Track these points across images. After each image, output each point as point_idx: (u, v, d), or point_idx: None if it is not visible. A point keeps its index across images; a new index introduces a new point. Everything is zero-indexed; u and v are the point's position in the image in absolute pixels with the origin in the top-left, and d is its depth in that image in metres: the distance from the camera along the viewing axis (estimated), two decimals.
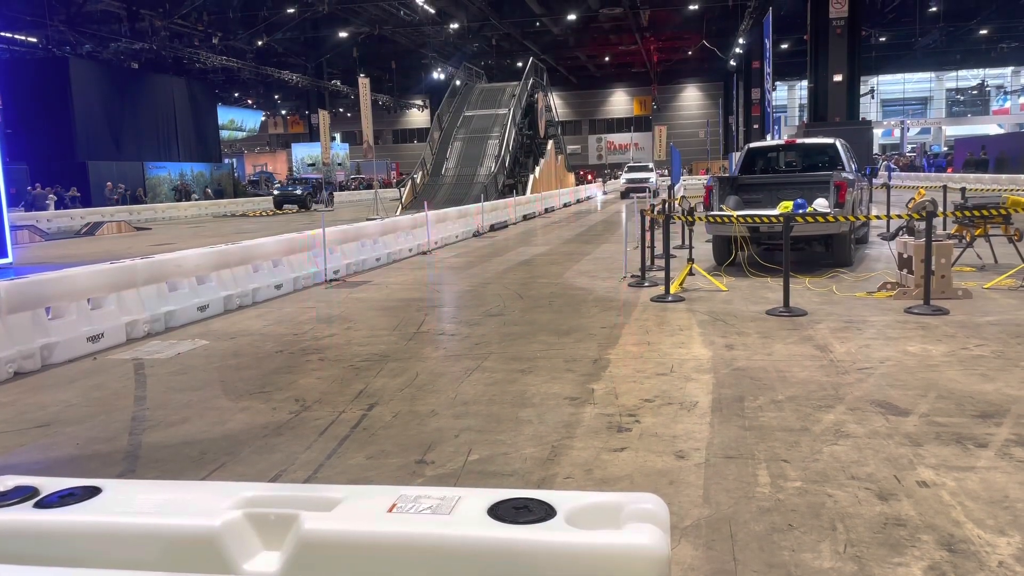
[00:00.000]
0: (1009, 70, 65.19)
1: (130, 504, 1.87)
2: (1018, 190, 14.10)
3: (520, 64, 41.16)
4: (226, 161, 52.43)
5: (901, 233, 10.34)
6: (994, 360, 5.73)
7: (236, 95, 60.54)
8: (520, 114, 33.97)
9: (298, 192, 37.61)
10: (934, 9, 44.26)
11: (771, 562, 2.97)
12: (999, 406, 4.68)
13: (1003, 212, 9.53)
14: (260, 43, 44.15)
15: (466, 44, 49.67)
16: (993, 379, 5.24)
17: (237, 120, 62.73)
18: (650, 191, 33.93)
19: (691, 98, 73.70)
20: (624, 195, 35.57)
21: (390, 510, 1.73)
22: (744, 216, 10.12)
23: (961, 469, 3.78)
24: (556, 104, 47.95)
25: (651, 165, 40.36)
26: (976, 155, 38.80)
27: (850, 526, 3.24)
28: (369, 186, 46.60)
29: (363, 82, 28.28)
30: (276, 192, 39.05)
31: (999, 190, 16.06)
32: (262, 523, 1.78)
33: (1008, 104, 64.70)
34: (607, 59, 62.39)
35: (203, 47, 40.20)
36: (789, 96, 70.36)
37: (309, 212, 34.91)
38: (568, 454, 4.17)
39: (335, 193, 43.94)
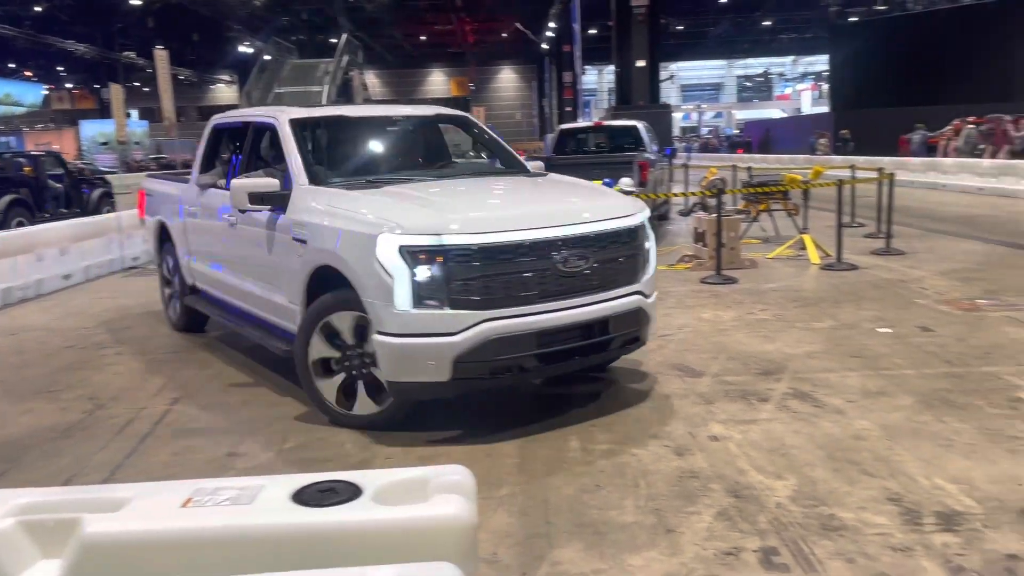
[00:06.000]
0: (789, 59, 71.68)
1: None
2: (795, 168, 15.68)
3: (335, 40, 39.77)
4: (2, 140, 46.90)
5: (696, 209, 11.13)
6: (775, 323, 6.34)
7: (12, 66, 54.25)
8: (335, 92, 32.96)
9: None
10: (724, 0, 47.70)
11: (580, 522, 3.14)
12: (778, 363, 5.20)
13: (783, 189, 10.50)
14: (39, 8, 39.74)
15: (275, 17, 47.39)
16: (773, 339, 5.80)
17: (14, 94, 56.28)
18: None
19: (508, 80, 74.85)
20: None
21: (185, 504, 1.66)
22: None
23: (746, 422, 4.17)
24: (373, 83, 46.98)
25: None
26: (742, 137, 46.52)
27: (651, 482, 3.48)
28: (170, 166, 37.52)
29: (160, 54, 26.15)
30: None
31: (780, 169, 17.68)
32: (39, 530, 1.64)
33: (788, 91, 71.14)
34: (423, 39, 61.88)
35: None
36: (599, 80, 73.31)
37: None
38: None
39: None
